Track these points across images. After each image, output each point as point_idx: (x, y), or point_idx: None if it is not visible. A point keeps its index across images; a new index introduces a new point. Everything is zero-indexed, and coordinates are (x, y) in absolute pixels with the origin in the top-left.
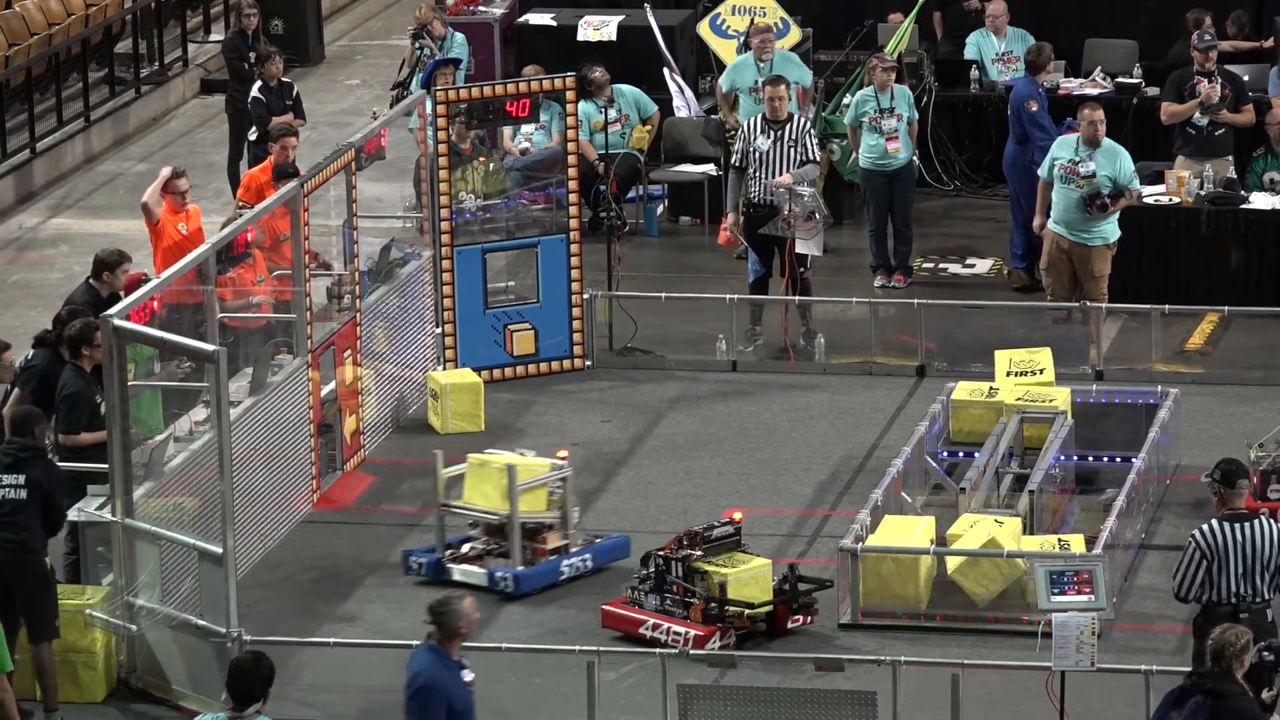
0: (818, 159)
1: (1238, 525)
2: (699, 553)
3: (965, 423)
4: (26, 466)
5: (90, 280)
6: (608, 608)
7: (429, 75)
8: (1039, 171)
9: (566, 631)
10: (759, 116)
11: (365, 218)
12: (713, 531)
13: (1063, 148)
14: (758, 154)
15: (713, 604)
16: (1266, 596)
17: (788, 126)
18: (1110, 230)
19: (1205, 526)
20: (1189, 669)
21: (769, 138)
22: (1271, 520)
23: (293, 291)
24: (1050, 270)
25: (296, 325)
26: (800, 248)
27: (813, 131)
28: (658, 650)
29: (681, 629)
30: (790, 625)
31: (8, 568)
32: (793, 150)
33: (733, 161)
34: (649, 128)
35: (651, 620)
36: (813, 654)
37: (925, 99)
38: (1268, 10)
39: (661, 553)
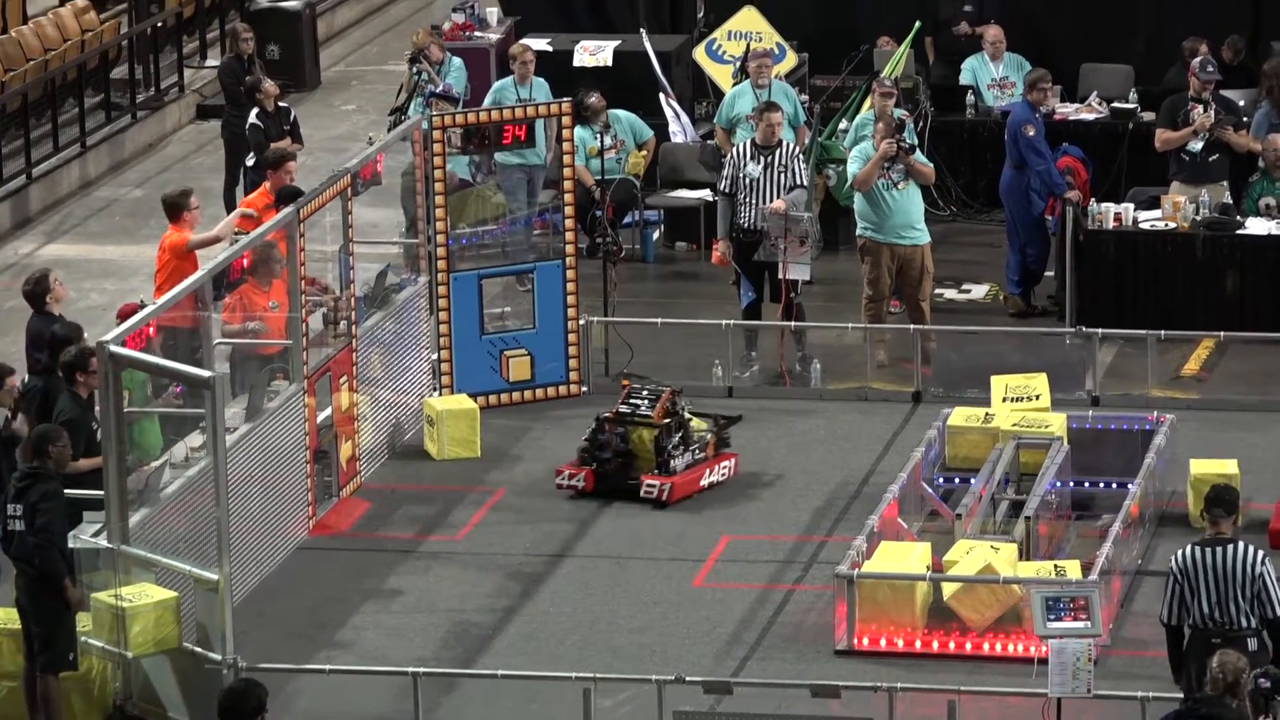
0: (806, 184)
1: (1210, 550)
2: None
3: (961, 448)
4: (26, 494)
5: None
6: (674, 482)
7: (427, 105)
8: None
9: None
10: (749, 142)
11: (361, 243)
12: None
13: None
14: (748, 180)
15: (714, 435)
16: (1244, 625)
17: (777, 152)
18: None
19: (1181, 551)
20: (1184, 695)
21: (759, 163)
22: (1250, 547)
23: (288, 317)
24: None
25: (292, 351)
26: (791, 273)
27: (800, 156)
28: (653, 677)
29: (725, 462)
30: None
31: (24, 597)
32: (782, 176)
33: (721, 187)
34: (645, 153)
35: (706, 469)
36: (810, 681)
37: (921, 124)
38: (1263, 35)
39: (665, 422)
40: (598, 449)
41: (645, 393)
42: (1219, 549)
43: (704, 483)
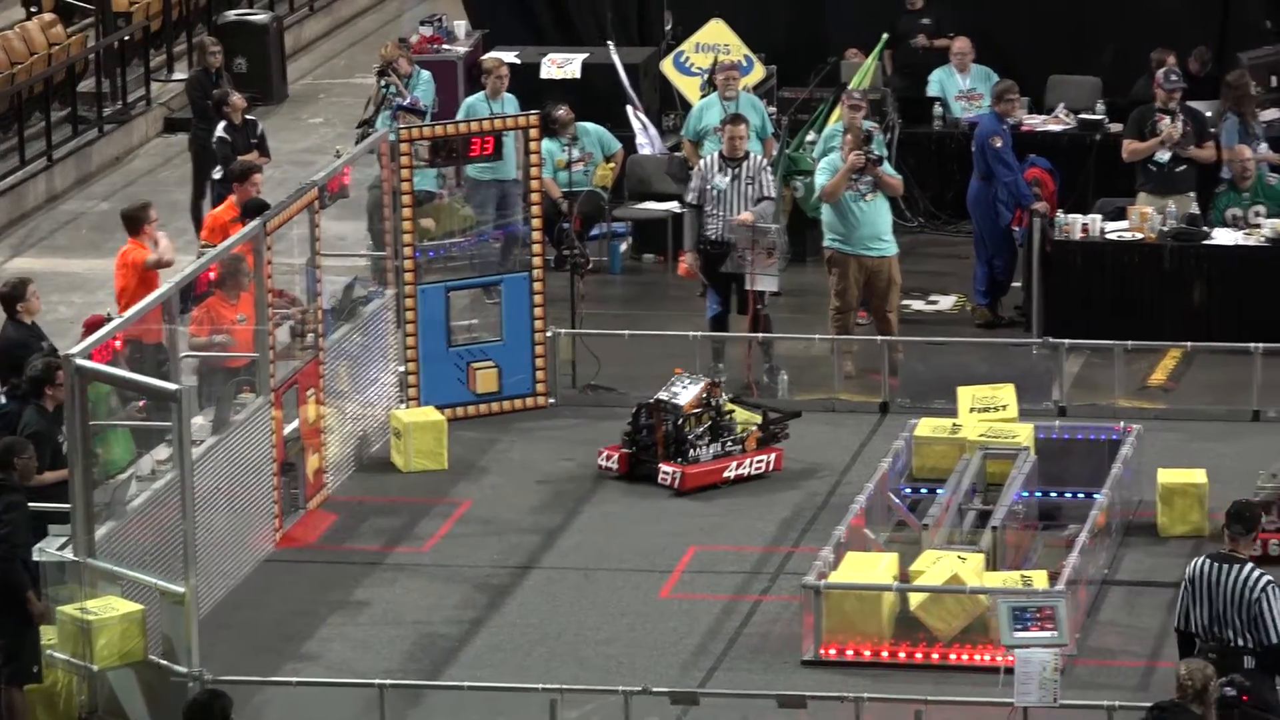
0: (774, 195)
1: (1217, 565)
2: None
3: (928, 459)
4: None
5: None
6: (687, 470)
7: (394, 118)
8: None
9: None
10: (716, 154)
11: (328, 256)
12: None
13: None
14: (715, 192)
15: (763, 429)
16: (1239, 644)
17: (744, 164)
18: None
19: (1195, 560)
20: (1150, 704)
21: (727, 175)
22: (1255, 571)
23: (255, 330)
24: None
25: (259, 364)
26: (759, 284)
27: (768, 168)
28: (620, 688)
29: (763, 456)
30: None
31: None
32: (750, 188)
33: (688, 199)
34: (613, 165)
35: (734, 463)
36: (776, 691)
37: (889, 135)
38: (1229, 45)
39: (694, 412)
40: (636, 433)
41: (688, 381)
42: (1226, 566)
43: (729, 474)
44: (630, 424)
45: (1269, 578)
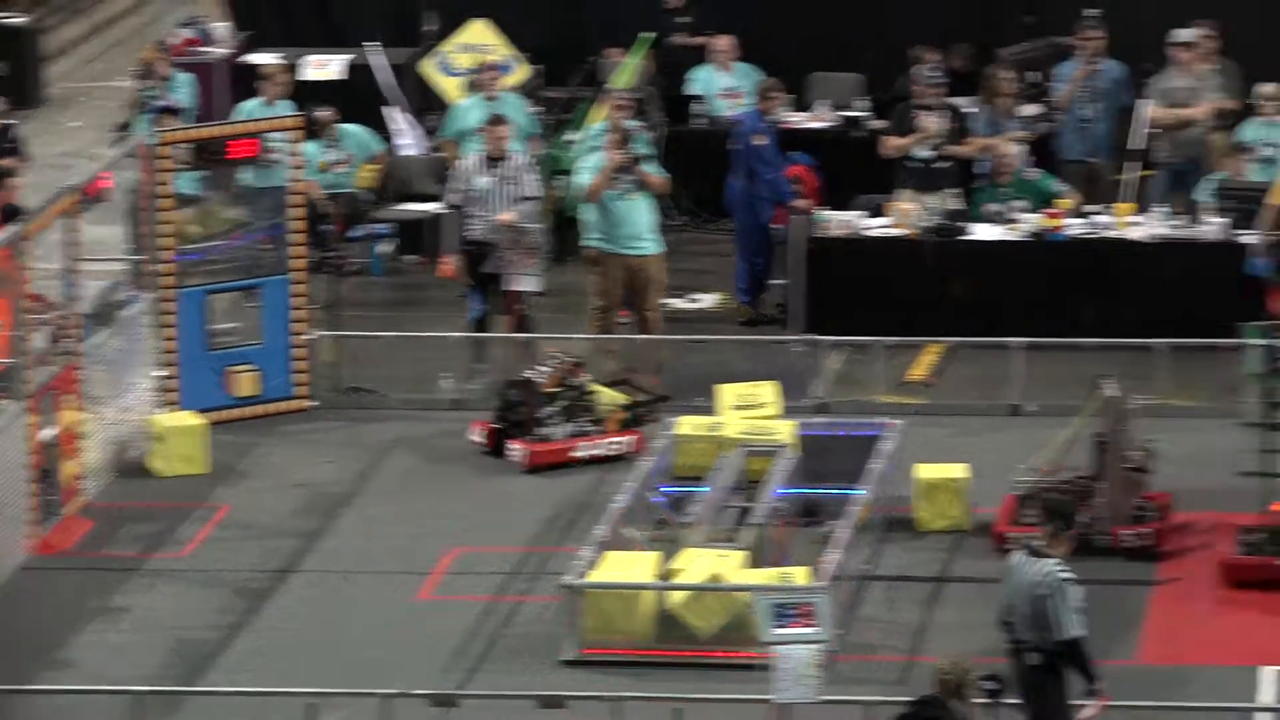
0: (537, 195)
1: (1025, 559)
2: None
3: (690, 457)
4: None
5: None
6: (534, 448)
7: (154, 120)
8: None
9: None
10: (477, 155)
11: (88, 260)
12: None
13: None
14: (477, 192)
15: (628, 411)
16: (1027, 639)
17: (505, 164)
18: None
19: (1017, 551)
20: (909, 698)
21: (488, 176)
22: (1048, 568)
23: (12, 335)
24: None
25: (15, 369)
26: (520, 284)
27: (532, 168)
28: (379, 691)
29: (621, 439)
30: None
31: None
32: (511, 188)
33: (449, 200)
34: (375, 166)
35: (582, 443)
36: (536, 692)
37: (655, 134)
38: (993, 42)
39: (552, 390)
40: (505, 409)
41: (554, 361)
42: (1029, 560)
43: (580, 454)
44: (500, 401)
45: (1065, 575)
